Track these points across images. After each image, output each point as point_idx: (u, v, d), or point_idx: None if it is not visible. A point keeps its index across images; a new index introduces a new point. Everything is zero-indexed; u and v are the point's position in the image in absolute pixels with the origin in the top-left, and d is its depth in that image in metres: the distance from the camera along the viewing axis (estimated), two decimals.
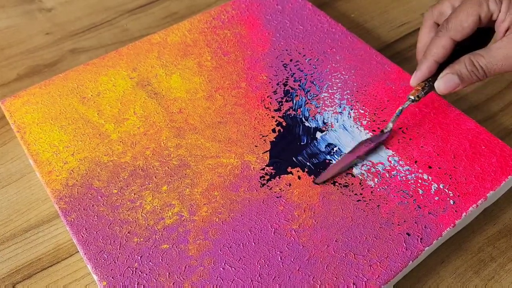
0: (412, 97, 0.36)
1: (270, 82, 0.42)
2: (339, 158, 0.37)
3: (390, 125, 0.37)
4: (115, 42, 0.52)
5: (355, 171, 0.36)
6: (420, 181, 0.35)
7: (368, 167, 0.36)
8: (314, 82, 0.42)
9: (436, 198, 0.34)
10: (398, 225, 0.33)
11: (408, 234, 0.33)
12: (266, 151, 0.38)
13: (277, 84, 0.42)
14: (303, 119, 0.40)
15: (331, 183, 0.35)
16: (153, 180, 0.36)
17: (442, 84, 0.35)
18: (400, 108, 0.37)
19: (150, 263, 0.32)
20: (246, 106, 0.41)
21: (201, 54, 0.45)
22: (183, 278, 0.31)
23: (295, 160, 0.37)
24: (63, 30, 0.54)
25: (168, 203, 0.35)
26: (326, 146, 0.38)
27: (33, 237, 0.37)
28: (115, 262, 0.32)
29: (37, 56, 0.51)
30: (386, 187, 0.35)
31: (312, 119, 0.40)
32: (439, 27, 0.36)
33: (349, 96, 0.41)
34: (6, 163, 0.42)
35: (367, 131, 0.38)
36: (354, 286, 0.31)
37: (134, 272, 0.31)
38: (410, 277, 0.34)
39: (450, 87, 0.35)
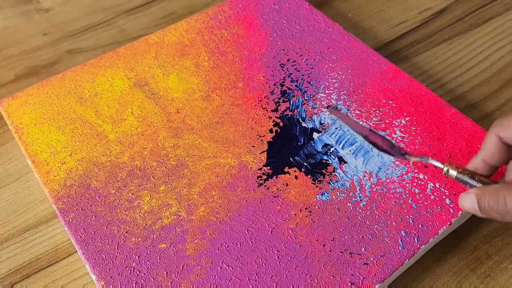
0: (445, 169, 0.32)
1: (267, 82, 0.43)
2: (361, 122, 0.37)
3: (415, 158, 0.34)
4: (113, 42, 0.53)
5: (351, 172, 0.36)
6: (416, 180, 0.35)
7: (364, 166, 0.36)
8: (311, 83, 0.42)
9: (432, 197, 0.34)
10: (395, 224, 0.33)
11: (405, 233, 0.33)
12: (263, 151, 0.38)
13: (274, 85, 0.42)
14: (300, 119, 0.40)
15: (327, 182, 0.36)
16: (151, 180, 0.36)
17: (461, 201, 0.30)
18: (432, 160, 0.33)
19: (148, 262, 0.32)
20: (243, 107, 0.41)
21: (199, 54, 0.45)
22: (181, 278, 0.31)
23: (292, 160, 0.37)
24: (60, 30, 0.54)
25: (166, 203, 0.35)
26: (322, 146, 0.38)
27: (31, 237, 0.37)
28: (113, 262, 0.32)
29: (35, 57, 0.51)
30: (382, 186, 0.35)
31: (309, 120, 0.40)
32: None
33: (345, 97, 0.41)
34: (4, 164, 0.42)
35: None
36: (351, 284, 0.31)
37: (132, 271, 0.32)
38: (406, 275, 0.34)
39: (468, 209, 0.30)
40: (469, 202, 0.30)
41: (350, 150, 0.37)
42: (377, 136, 0.37)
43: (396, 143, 0.37)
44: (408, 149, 0.37)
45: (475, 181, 0.31)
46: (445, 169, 0.32)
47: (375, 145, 0.37)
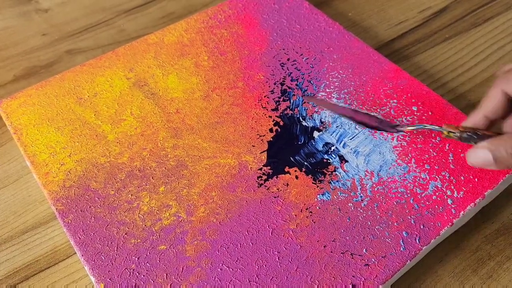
0: (444, 128, 0.33)
1: (267, 82, 0.42)
2: (341, 104, 0.36)
3: (407, 128, 0.34)
4: (112, 42, 0.52)
5: (352, 171, 0.36)
6: (417, 180, 0.35)
7: (365, 166, 0.36)
8: (311, 82, 0.42)
9: (434, 197, 0.34)
10: (396, 224, 0.33)
11: (406, 234, 0.33)
12: (264, 151, 0.37)
13: (274, 84, 0.42)
14: (301, 118, 0.40)
15: (328, 182, 0.35)
16: (150, 181, 0.36)
17: (472, 155, 0.30)
18: (426, 125, 0.34)
19: (148, 264, 0.32)
20: (243, 106, 0.41)
21: (198, 54, 0.45)
22: (181, 279, 0.31)
23: (292, 159, 0.37)
24: (59, 31, 0.54)
25: (165, 204, 0.35)
26: (323, 145, 0.38)
27: (30, 239, 0.37)
28: (112, 264, 0.32)
29: (34, 57, 0.51)
30: (383, 186, 0.35)
31: (309, 119, 0.40)
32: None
33: (346, 96, 0.41)
34: (3, 165, 0.42)
35: (365, 130, 0.38)
36: (352, 286, 0.31)
37: (132, 273, 0.31)
38: (408, 276, 0.34)
39: (480, 164, 0.30)
40: (482, 155, 0.29)
41: (351, 149, 0.37)
42: (362, 114, 0.36)
43: (384, 118, 0.36)
44: (397, 122, 0.37)
45: (479, 136, 0.31)
46: (446, 131, 0.32)
47: (363, 124, 0.36)
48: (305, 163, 0.37)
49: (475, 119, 0.32)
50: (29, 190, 0.40)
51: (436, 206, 0.34)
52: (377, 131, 0.37)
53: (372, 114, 0.37)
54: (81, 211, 0.34)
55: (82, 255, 0.32)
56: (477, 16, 0.53)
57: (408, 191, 0.35)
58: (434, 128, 0.33)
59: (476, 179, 0.35)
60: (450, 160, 0.36)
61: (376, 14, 0.55)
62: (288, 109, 0.40)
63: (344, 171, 0.36)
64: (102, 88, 0.42)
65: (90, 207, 0.34)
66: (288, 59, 0.44)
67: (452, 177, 0.35)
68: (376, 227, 0.33)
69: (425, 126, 0.33)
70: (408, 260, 0.32)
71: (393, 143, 0.37)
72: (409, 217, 0.33)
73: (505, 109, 0.31)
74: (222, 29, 0.47)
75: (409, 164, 0.36)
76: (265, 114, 0.40)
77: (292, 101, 0.41)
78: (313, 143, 0.38)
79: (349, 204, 0.34)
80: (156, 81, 0.43)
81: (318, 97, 0.36)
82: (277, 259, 0.32)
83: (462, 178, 0.35)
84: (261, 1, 0.50)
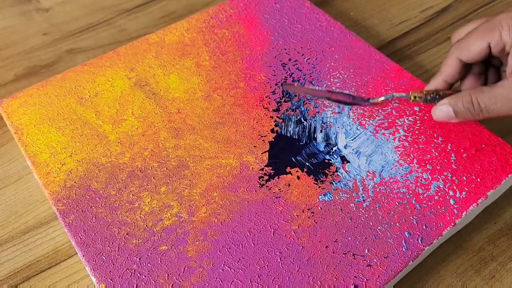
0: (412, 96, 0.38)
1: (268, 82, 0.42)
2: (316, 87, 0.39)
3: (378, 99, 0.39)
4: (113, 42, 0.52)
5: (354, 171, 0.36)
6: (419, 180, 0.35)
7: (367, 166, 0.36)
8: (313, 82, 0.42)
9: (436, 198, 0.34)
10: (398, 224, 0.33)
11: (408, 234, 0.32)
12: (265, 152, 0.37)
13: (276, 84, 0.42)
14: (302, 119, 0.39)
15: (330, 182, 0.35)
16: (152, 181, 0.36)
17: (437, 112, 0.36)
18: (395, 93, 0.39)
19: (149, 264, 0.32)
20: (244, 106, 0.40)
21: (199, 53, 0.45)
22: (182, 280, 0.31)
23: (294, 160, 0.37)
24: (60, 30, 0.54)
25: (167, 204, 0.34)
26: (325, 146, 0.38)
27: (31, 239, 0.37)
28: (113, 264, 0.32)
29: (34, 57, 0.51)
30: (385, 186, 0.35)
31: (311, 119, 0.39)
32: (452, 44, 0.36)
33: None
34: (3, 165, 0.41)
35: (367, 130, 0.38)
36: (354, 286, 0.30)
37: (133, 273, 0.31)
38: (410, 276, 0.34)
39: (444, 118, 0.35)
40: (445, 110, 0.35)
41: (353, 149, 0.37)
42: (337, 94, 0.40)
43: (356, 94, 0.40)
44: (367, 96, 0.40)
45: (441, 96, 0.37)
46: (412, 96, 0.37)
47: (340, 101, 0.40)
48: (307, 163, 0.36)
49: (436, 83, 0.37)
50: (30, 190, 0.40)
51: (439, 207, 0.34)
52: (354, 107, 0.40)
53: (345, 92, 0.40)
54: (82, 211, 0.34)
55: (83, 256, 0.32)
56: (479, 16, 0.53)
57: (410, 192, 0.34)
58: (402, 95, 0.38)
59: (478, 179, 0.35)
60: (452, 160, 0.36)
61: (377, 14, 0.54)
62: (290, 109, 0.40)
63: (346, 172, 0.36)
64: (103, 88, 0.42)
65: (91, 207, 0.34)
66: (290, 59, 0.44)
67: (454, 177, 0.35)
68: (378, 228, 0.33)
69: (393, 95, 0.38)
70: (411, 261, 0.31)
71: (394, 144, 0.37)
72: (411, 218, 0.33)
73: (461, 73, 0.36)
74: (223, 29, 0.47)
75: (411, 165, 0.36)
76: (266, 115, 0.40)
77: (293, 101, 0.41)
78: (315, 143, 0.38)
79: (351, 205, 0.34)
80: (157, 81, 0.42)
81: (295, 84, 0.40)
82: (279, 260, 0.32)
83: (464, 178, 0.35)
84: (262, 0, 0.50)
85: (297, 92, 0.38)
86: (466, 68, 0.36)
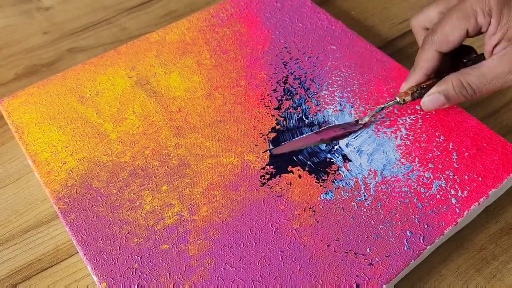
0: (398, 99, 0.37)
1: (270, 80, 0.42)
2: (304, 135, 0.38)
3: (366, 118, 0.38)
4: (114, 41, 0.52)
5: (355, 170, 0.36)
6: (421, 179, 0.35)
7: (369, 165, 0.36)
8: (314, 80, 0.42)
9: (437, 196, 0.34)
10: (400, 223, 0.33)
11: (410, 233, 0.32)
12: (267, 150, 0.37)
13: (277, 82, 0.42)
14: (303, 117, 0.39)
15: (331, 181, 0.35)
16: (153, 180, 0.36)
17: (428, 103, 0.36)
18: (381, 106, 0.38)
19: (150, 263, 0.32)
20: (245, 105, 0.40)
21: (200, 52, 0.45)
22: (184, 279, 0.31)
23: (295, 159, 0.37)
24: (61, 29, 0.54)
25: (168, 203, 0.34)
26: (326, 144, 0.38)
27: (32, 238, 0.37)
28: (115, 263, 0.32)
29: (35, 56, 0.51)
30: (387, 185, 0.35)
31: (312, 117, 0.39)
32: (424, 37, 0.36)
33: (349, 94, 0.41)
34: (4, 164, 0.41)
35: (369, 129, 0.38)
36: (356, 285, 0.30)
37: (134, 272, 0.31)
38: (411, 275, 0.34)
39: (437, 106, 0.36)
40: (436, 99, 0.35)
41: (354, 148, 0.37)
42: (327, 131, 0.38)
43: (343, 123, 0.38)
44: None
45: (425, 88, 0.37)
46: (401, 100, 0.37)
47: (335, 139, 0.38)
48: (308, 162, 0.36)
49: (418, 78, 0.37)
50: (30, 189, 0.40)
51: (440, 205, 0.34)
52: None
53: (330, 125, 0.38)
54: (83, 210, 0.34)
55: (84, 254, 0.32)
56: None
57: (412, 190, 0.34)
58: (390, 104, 0.37)
59: (480, 178, 0.35)
60: (454, 159, 0.36)
61: (379, 13, 0.54)
62: (291, 107, 0.40)
63: (348, 170, 0.36)
64: (104, 86, 0.42)
65: (92, 206, 0.34)
66: (291, 58, 0.44)
67: (456, 176, 0.35)
68: (380, 227, 0.33)
69: (381, 107, 0.38)
70: (412, 260, 0.31)
71: (396, 142, 0.37)
72: (413, 217, 0.33)
73: (439, 63, 0.36)
74: (225, 28, 0.47)
75: (412, 163, 0.36)
76: (267, 113, 0.40)
77: (294, 99, 0.41)
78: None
79: (352, 203, 0.34)
80: (158, 79, 0.42)
81: (282, 144, 0.37)
82: (280, 259, 0.32)
83: (466, 177, 0.35)
84: None
85: (287, 150, 0.37)
86: (443, 57, 0.36)
